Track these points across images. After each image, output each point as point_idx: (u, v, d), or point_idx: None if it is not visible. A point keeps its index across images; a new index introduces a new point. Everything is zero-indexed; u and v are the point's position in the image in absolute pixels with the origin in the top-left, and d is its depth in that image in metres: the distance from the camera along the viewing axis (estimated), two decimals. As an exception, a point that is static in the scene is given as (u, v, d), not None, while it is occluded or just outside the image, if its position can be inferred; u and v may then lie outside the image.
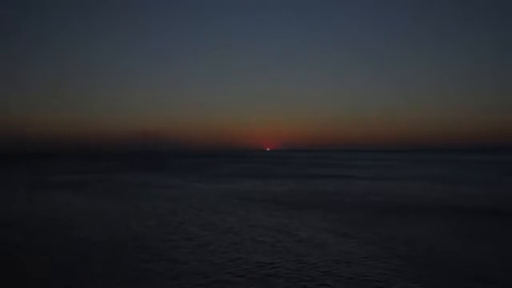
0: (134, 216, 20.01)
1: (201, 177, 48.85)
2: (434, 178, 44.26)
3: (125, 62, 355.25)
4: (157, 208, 22.61)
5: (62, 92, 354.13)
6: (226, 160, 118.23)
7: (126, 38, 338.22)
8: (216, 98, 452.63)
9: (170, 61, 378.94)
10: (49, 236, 15.49)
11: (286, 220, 18.48)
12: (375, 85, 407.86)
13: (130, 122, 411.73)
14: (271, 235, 15.30)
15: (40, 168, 75.51)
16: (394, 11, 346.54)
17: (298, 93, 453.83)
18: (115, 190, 32.92)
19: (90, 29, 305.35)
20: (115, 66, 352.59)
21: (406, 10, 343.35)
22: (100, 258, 12.15)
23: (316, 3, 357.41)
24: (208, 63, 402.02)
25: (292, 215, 19.85)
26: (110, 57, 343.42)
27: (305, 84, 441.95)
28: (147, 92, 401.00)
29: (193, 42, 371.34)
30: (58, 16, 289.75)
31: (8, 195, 30.01)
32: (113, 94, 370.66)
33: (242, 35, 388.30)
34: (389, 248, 13.07)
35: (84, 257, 12.39)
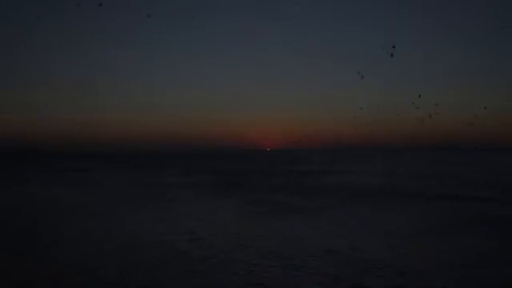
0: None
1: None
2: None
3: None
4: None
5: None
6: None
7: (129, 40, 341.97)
8: (216, 97, 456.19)
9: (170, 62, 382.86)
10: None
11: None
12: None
13: (130, 122, 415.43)
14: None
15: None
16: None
17: (300, 93, 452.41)
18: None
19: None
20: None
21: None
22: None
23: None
24: (208, 63, 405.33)
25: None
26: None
27: (307, 83, 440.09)
28: (148, 92, 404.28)
29: (193, 43, 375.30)
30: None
31: None
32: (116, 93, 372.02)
33: (241, 35, 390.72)
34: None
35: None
